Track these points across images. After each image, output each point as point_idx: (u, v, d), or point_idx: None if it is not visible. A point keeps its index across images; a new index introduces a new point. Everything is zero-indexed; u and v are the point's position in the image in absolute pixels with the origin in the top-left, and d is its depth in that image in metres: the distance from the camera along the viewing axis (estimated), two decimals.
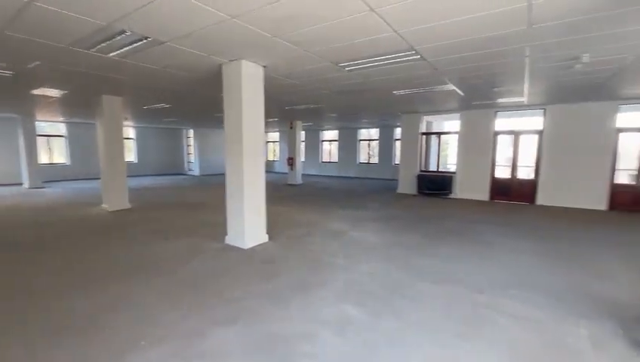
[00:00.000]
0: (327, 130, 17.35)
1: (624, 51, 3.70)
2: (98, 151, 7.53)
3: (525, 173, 8.85)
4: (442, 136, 11.11)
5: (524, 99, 7.07)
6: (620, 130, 7.41)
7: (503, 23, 2.91)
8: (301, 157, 14.02)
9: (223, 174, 4.98)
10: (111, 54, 3.88)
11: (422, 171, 10.32)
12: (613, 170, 7.52)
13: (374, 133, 16.10)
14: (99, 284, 3.37)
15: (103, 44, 3.52)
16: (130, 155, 15.99)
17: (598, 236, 5.34)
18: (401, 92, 6.31)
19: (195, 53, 3.83)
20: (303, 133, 16.77)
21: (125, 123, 13.40)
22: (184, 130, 17.69)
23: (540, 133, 8.26)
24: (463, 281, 3.47)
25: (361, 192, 10.74)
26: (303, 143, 17.00)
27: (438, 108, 9.11)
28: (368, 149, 16.57)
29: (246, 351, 2.28)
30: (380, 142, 15.55)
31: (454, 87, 5.77)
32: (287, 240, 5.02)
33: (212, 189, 11.39)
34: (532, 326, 2.60)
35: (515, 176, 8.86)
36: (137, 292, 3.20)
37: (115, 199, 7.34)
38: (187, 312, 2.81)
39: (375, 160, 16.07)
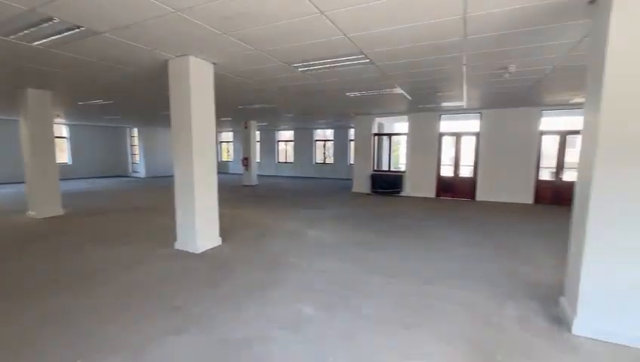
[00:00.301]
0: (283, 130, 17.26)
1: (544, 63, 4.21)
2: (22, 150, 6.68)
3: (467, 171, 9.64)
4: (393, 137, 11.66)
5: (463, 104, 7.69)
6: (543, 132, 8.41)
7: (442, 33, 3.15)
8: (256, 157, 13.79)
9: (171, 176, 4.72)
10: (35, 43, 3.47)
11: (375, 171, 10.73)
12: (537, 168, 8.51)
13: (330, 133, 16.37)
14: (26, 299, 3.00)
15: (25, 32, 3.14)
16: (63, 156, 14.43)
17: (526, 227, 6.00)
18: (354, 94, 6.51)
19: (137, 46, 3.58)
20: (258, 133, 16.48)
21: (58, 120, 12.05)
22: (128, 129, 16.41)
23: (478, 135, 9.05)
24: (414, 274, 3.68)
25: (317, 192, 10.85)
26: (259, 143, 16.72)
27: (389, 111, 9.54)
28: (324, 150, 16.79)
29: (198, 360, 2.20)
30: (335, 143, 15.86)
31: (402, 91, 6.10)
32: (241, 242, 4.91)
33: (159, 192, 10.72)
34: (470, 311, 2.85)
35: (458, 175, 9.61)
36: (73, 305, 2.91)
37: (45, 205, 6.57)
38: (132, 324, 2.62)
39: (331, 160, 16.35)
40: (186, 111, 4.14)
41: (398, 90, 6.02)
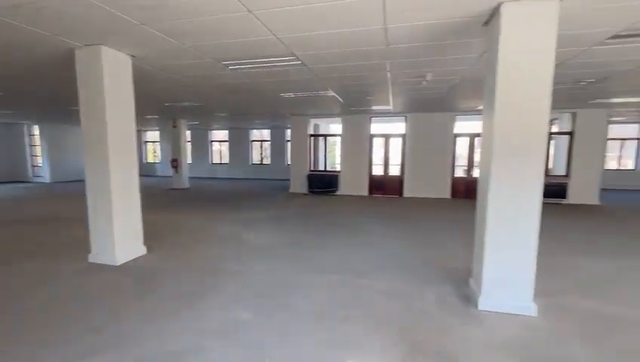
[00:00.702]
0: (217, 129, 16.51)
1: (454, 74, 4.77)
2: None
3: (395, 170, 10.40)
4: (329, 138, 12.03)
5: (390, 108, 8.29)
6: (457, 135, 9.52)
7: (367, 41, 3.36)
8: (187, 158, 12.95)
9: (83, 180, 4.19)
10: None
11: (311, 171, 10.92)
12: (453, 166, 9.59)
13: (267, 133, 16.17)
14: None
15: None
16: None
17: (444, 219, 6.72)
18: (289, 95, 6.54)
19: (32, 30, 3.09)
20: (188, 132, 15.49)
21: None
22: (25, 126, 14.00)
23: (404, 136, 9.84)
24: (348, 269, 3.85)
25: (253, 193, 10.64)
26: (189, 143, 15.73)
27: (324, 112, 9.81)
28: (261, 150, 16.52)
29: None
30: (272, 143, 15.71)
31: (334, 94, 6.33)
32: (170, 250, 4.58)
33: (69, 198, 9.38)
34: (397, 299, 3.10)
35: (388, 173, 10.32)
36: None
37: None
38: (40, 349, 2.26)
39: (268, 161, 16.16)
40: (98, 106, 3.70)
41: (331, 93, 6.23)
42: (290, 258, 4.25)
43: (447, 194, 9.61)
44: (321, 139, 11.90)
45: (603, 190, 9.00)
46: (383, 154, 10.37)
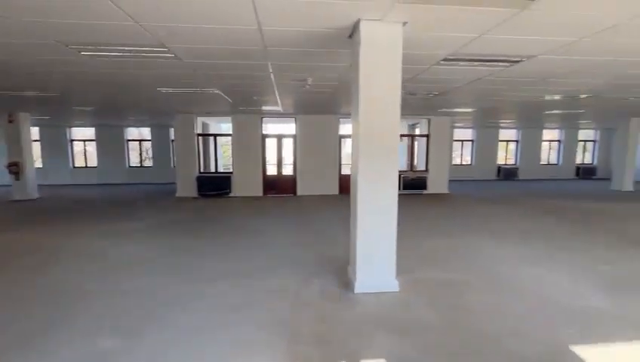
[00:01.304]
0: (79, 126, 13.73)
1: (332, 79, 5.17)
2: None
3: (289, 170, 10.67)
4: (221, 138, 11.45)
5: (280, 109, 8.46)
6: (342, 136, 10.39)
7: (243, 40, 3.33)
8: (36, 162, 10.38)
9: None
10: None
11: (201, 173, 10.22)
12: (340, 165, 10.44)
13: (147, 132, 14.32)
14: None
15: None
16: None
17: (332, 214, 7.26)
18: (167, 90, 5.94)
19: None
20: (35, 129, 12.43)
21: None
22: None
23: (295, 137, 10.18)
24: (235, 272, 3.75)
25: (131, 200, 9.29)
26: (38, 143, 12.67)
27: (211, 110, 9.29)
28: (140, 151, 14.55)
29: None
30: (154, 143, 14.00)
31: (219, 92, 6.07)
32: (12, 277, 3.59)
33: None
34: (284, 295, 3.18)
35: (282, 173, 10.51)
36: None
37: None
38: None
39: (150, 163, 14.36)
40: None
41: (216, 91, 5.95)
42: (170, 270, 3.88)
43: (336, 191, 10.40)
44: (210, 138, 11.24)
45: (451, 181, 11.25)
46: (276, 155, 10.50)
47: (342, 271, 3.75)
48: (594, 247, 4.69)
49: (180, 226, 6.08)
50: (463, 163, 15.36)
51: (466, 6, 2.54)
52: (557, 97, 6.93)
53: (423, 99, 7.12)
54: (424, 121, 10.87)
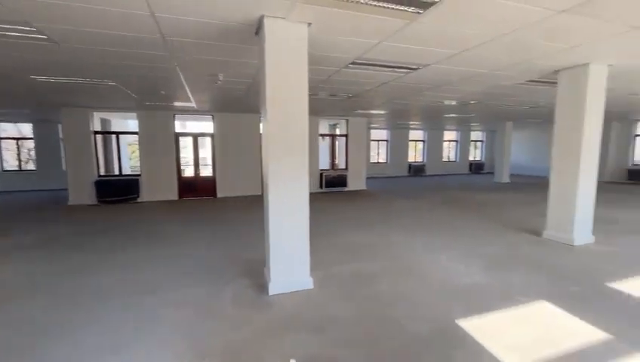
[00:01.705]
0: None
1: (246, 76, 4.99)
2: None
3: (208, 171, 10.04)
4: (128, 137, 10.16)
5: (194, 105, 7.88)
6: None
7: (135, 27, 2.97)
8: None
9: None
10: None
11: (101, 176, 8.93)
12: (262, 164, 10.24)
13: (28, 129, 11.90)
14: None
15: None
16: None
17: (250, 215, 7.06)
18: (44, 79, 4.98)
19: None
20: None
21: None
22: None
23: (213, 136, 9.63)
24: (135, 289, 3.33)
25: (6, 212, 7.60)
26: None
27: (111, 105, 8.17)
28: (19, 151, 12.04)
29: None
30: (37, 142, 11.71)
31: (116, 84, 5.35)
32: None
33: None
34: (194, 307, 2.94)
35: (199, 174, 9.83)
36: None
37: None
38: None
39: (32, 165, 11.99)
40: None
41: (111, 83, 5.23)
42: (51, 295, 3.26)
43: (259, 191, 10.17)
44: (113, 137, 9.88)
45: (369, 178, 12.02)
46: (193, 155, 9.78)
47: (258, 274, 3.64)
48: (480, 232, 5.49)
49: (70, 240, 5.18)
50: (380, 161, 16.57)
51: (362, 13, 2.68)
52: (453, 103, 7.95)
53: (340, 101, 7.42)
54: (343, 122, 11.37)
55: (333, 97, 6.96)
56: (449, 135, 18.04)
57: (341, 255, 4.35)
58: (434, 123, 13.92)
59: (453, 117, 11.28)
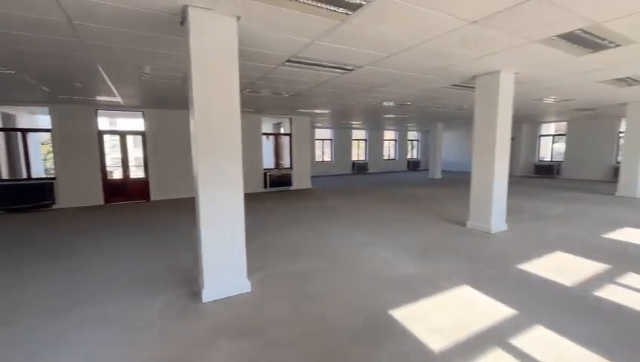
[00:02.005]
0: None
1: (177, 70, 4.65)
2: None
3: (139, 172, 9.20)
4: (38, 134, 8.82)
5: (119, 100, 7.15)
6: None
7: (31, 6, 2.57)
8: None
9: None
10: None
11: (3, 180, 7.64)
12: None
13: None
14: None
15: None
16: None
17: (190, 218, 6.64)
18: None
19: None
20: None
21: None
22: None
23: (143, 134, 8.85)
24: (56, 305, 2.89)
25: None
26: None
27: (11, 98, 7.02)
28: None
29: None
30: None
31: (17, 72, 4.60)
32: None
33: None
34: (120, 321, 2.64)
35: (129, 176, 8.96)
36: None
37: None
38: None
39: None
40: None
41: (9, 71, 4.48)
42: None
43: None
44: (18, 135, 8.50)
45: (314, 177, 12.14)
46: (121, 155, 8.87)
47: (193, 282, 3.42)
48: (414, 225, 5.87)
49: None
50: (325, 160, 16.85)
51: (292, 10, 2.66)
52: (391, 104, 8.38)
53: (283, 99, 7.34)
54: (287, 121, 11.30)
55: (276, 95, 6.86)
56: (389, 135, 19.05)
57: (282, 254, 4.30)
58: (375, 123, 14.56)
59: (391, 117, 11.91)
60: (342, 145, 16.87)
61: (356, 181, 13.82)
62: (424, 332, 2.46)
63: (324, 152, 16.84)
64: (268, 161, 11.63)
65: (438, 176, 14.64)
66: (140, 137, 8.94)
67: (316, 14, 2.74)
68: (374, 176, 15.86)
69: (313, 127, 15.47)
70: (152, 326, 2.62)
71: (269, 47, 3.62)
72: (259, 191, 10.60)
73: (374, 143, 18.04)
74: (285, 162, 11.62)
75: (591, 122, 12.74)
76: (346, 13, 2.73)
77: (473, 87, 5.57)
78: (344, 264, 3.94)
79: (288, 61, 4.15)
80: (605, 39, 3.48)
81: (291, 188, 11.06)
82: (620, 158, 10.30)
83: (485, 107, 5.12)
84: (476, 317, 2.66)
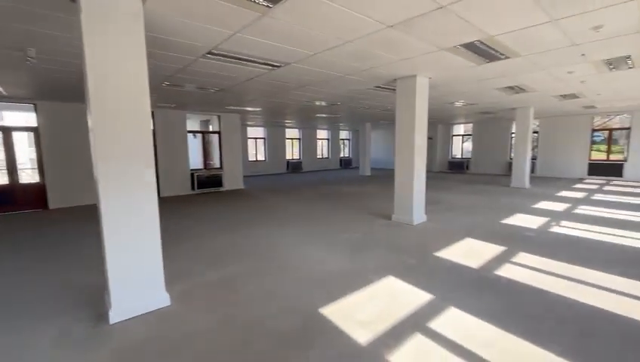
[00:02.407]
0: None
1: (73, 56, 3.98)
2: None
3: (34, 175, 7.75)
4: None
5: (0, 89, 5.91)
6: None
7: None
8: None
9: None
10: None
11: None
12: None
13: None
14: None
15: None
16: None
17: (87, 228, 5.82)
18: None
19: None
20: None
21: None
22: None
23: (36, 130, 7.48)
24: None
25: None
26: None
27: None
28: None
29: None
30: None
31: None
32: None
33: None
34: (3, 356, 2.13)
35: (18, 181, 7.49)
36: None
37: None
38: None
39: None
40: None
41: None
42: None
43: None
44: None
45: (247, 177, 11.73)
46: (5, 155, 7.35)
47: (99, 301, 2.97)
48: (345, 221, 6.04)
49: None
50: (259, 159, 16.45)
51: None
52: (323, 103, 8.50)
53: (209, 94, 6.89)
54: (215, 118, 10.70)
55: (202, 91, 6.40)
56: (322, 134, 19.44)
57: (208, 261, 4.02)
58: (308, 122, 14.69)
59: (324, 117, 12.14)
60: (276, 144, 16.67)
61: (290, 180, 13.79)
62: (353, 326, 2.51)
63: (257, 151, 16.42)
64: (195, 161, 10.87)
65: (368, 173, 15.44)
66: (31, 134, 7.53)
67: (235, 4, 2.59)
68: (309, 175, 16.03)
69: (245, 125, 14.98)
70: (41, 359, 2.18)
71: (186, 36, 3.32)
72: (185, 193, 9.84)
73: (308, 142, 18.23)
74: (215, 162, 11.01)
75: (491, 124, 14.77)
76: (267, 6, 2.63)
77: (394, 89, 5.95)
78: (275, 266, 3.84)
79: (210, 53, 3.88)
80: (497, 51, 4.01)
81: (222, 189, 10.52)
82: (512, 155, 12.15)
83: (405, 108, 5.51)
84: (399, 306, 2.82)
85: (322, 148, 19.61)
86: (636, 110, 10.96)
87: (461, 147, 16.97)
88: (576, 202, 7.58)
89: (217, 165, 10.80)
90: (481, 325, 2.51)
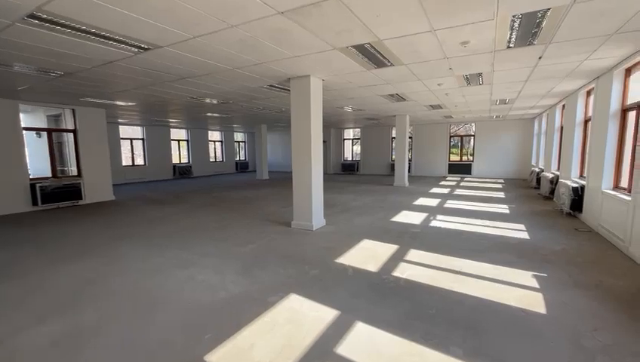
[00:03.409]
0: None
1: None
2: None
3: None
4: None
5: None
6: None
7: None
8: None
9: None
10: None
11: None
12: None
13: None
14: None
15: None
16: None
17: None
18: None
19: None
20: None
21: None
22: None
23: None
24: None
25: None
26: None
27: None
28: None
29: None
30: None
31: None
32: None
33: None
34: None
35: None
36: None
37: None
38: None
39: None
40: None
41: None
42: None
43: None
44: None
45: (121, 185, 9.67)
46: None
47: None
48: (239, 231, 5.41)
49: None
50: (137, 164, 14.01)
51: None
52: (214, 101, 7.59)
53: (53, 81, 5.22)
54: (69, 112, 8.45)
55: (42, 74, 4.77)
56: (214, 135, 17.97)
57: (42, 308, 2.87)
58: (198, 122, 13.23)
59: (216, 116, 11.07)
60: (158, 145, 14.50)
61: (178, 186, 12.12)
62: None
63: (135, 154, 13.94)
64: (41, 167, 8.36)
65: (266, 176, 14.95)
66: None
67: None
68: (200, 180, 14.50)
69: (116, 124, 12.50)
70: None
71: None
72: (23, 210, 7.41)
73: (198, 144, 16.54)
74: (71, 168, 8.70)
75: (375, 129, 16.28)
76: None
77: (289, 90, 5.67)
78: (146, 302, 2.99)
79: (32, 17, 2.75)
80: (385, 57, 4.13)
81: (82, 202, 8.37)
82: (394, 157, 13.60)
83: (300, 110, 5.27)
84: (303, 333, 2.45)
85: (215, 151, 18.13)
86: (478, 120, 13.70)
87: (351, 150, 18.21)
88: (445, 197, 8.84)
89: (74, 172, 8.56)
90: (388, 339, 2.36)
